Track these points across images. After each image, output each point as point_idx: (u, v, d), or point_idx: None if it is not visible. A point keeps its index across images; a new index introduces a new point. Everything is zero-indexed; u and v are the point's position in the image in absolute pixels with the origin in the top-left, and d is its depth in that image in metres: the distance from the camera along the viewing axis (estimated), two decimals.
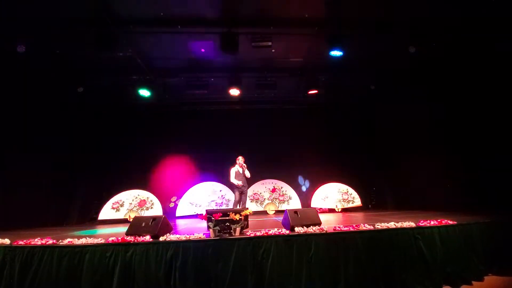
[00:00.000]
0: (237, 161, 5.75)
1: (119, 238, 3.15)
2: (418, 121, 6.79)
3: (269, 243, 3.10)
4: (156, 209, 7.43)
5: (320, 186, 8.06)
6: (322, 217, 4.34)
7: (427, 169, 6.54)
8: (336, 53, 5.45)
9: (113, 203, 7.35)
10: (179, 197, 7.93)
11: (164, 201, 7.82)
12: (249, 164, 6.00)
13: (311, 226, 3.36)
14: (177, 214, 7.63)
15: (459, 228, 3.44)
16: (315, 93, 7.16)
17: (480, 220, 3.65)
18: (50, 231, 5.10)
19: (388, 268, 3.12)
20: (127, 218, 7.09)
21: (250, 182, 6.54)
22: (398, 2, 4.74)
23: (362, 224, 3.49)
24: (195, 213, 7.57)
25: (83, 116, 7.76)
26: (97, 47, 4.92)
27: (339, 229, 3.37)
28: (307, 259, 3.04)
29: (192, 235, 3.21)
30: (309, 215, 3.64)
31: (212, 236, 3.22)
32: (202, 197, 7.85)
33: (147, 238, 3.20)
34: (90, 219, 7.47)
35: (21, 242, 3.18)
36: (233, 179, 5.63)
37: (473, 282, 3.19)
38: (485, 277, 3.29)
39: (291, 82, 7.33)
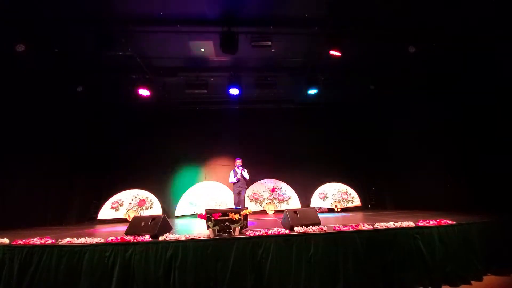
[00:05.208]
0: (235, 163, 6.15)
1: (119, 238, 3.15)
2: (418, 121, 6.79)
3: (269, 242, 3.09)
4: (155, 209, 7.42)
5: (320, 186, 8.06)
6: (322, 217, 4.34)
7: (426, 169, 6.54)
8: (336, 53, 5.45)
9: (112, 203, 7.34)
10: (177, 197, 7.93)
11: (163, 201, 7.82)
12: (249, 163, 5.99)
13: (311, 226, 3.36)
14: (177, 214, 7.63)
15: (458, 228, 3.44)
16: (314, 92, 7.16)
17: (479, 220, 3.66)
18: (49, 230, 5.09)
19: (387, 267, 3.12)
20: (126, 218, 7.09)
21: (249, 181, 6.73)
22: (398, 2, 4.75)
23: (361, 224, 3.49)
24: (195, 213, 7.57)
25: (82, 116, 7.75)
26: (97, 47, 4.92)
27: (339, 228, 3.37)
28: (307, 259, 3.04)
29: (191, 235, 3.20)
30: (308, 215, 3.64)
31: (211, 236, 3.22)
32: (201, 197, 7.84)
33: (147, 237, 3.20)
34: (89, 218, 7.47)
35: (20, 242, 3.17)
36: (231, 180, 6.19)
37: (472, 282, 3.19)
38: (484, 277, 3.29)
39: (291, 82, 7.32)
